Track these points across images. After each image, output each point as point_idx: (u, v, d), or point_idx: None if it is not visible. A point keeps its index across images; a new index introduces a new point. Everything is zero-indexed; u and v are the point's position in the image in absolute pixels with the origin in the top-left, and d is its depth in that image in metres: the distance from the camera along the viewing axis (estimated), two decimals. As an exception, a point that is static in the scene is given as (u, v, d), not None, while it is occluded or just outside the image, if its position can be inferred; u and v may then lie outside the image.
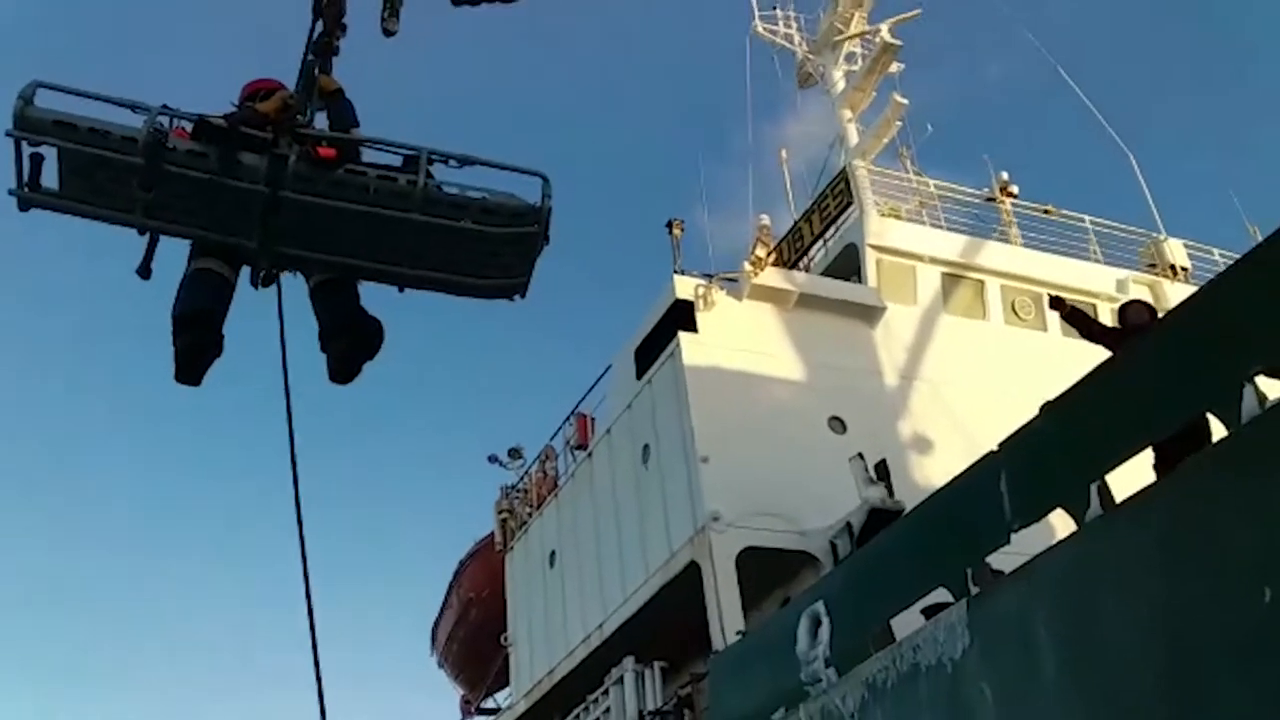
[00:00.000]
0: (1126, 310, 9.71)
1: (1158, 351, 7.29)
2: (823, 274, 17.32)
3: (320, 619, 5.42)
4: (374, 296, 5.77)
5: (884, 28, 20.09)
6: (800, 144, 21.81)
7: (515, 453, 20.25)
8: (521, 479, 19.88)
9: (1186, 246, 19.19)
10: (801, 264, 18.33)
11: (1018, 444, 8.01)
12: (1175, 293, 17.20)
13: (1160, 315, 9.56)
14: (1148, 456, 7.45)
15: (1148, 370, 7.20)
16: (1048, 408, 7.84)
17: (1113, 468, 7.11)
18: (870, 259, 16.67)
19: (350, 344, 5.64)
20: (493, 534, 20.42)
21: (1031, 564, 7.65)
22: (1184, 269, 18.71)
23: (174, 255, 5.43)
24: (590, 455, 16.96)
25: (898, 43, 19.72)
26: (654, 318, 15.65)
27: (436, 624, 25.14)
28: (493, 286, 5.69)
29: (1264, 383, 6.40)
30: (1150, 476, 7.43)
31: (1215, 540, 6.27)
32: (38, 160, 5.00)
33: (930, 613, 8.71)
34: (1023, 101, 49.70)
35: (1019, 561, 7.77)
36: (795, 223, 19.16)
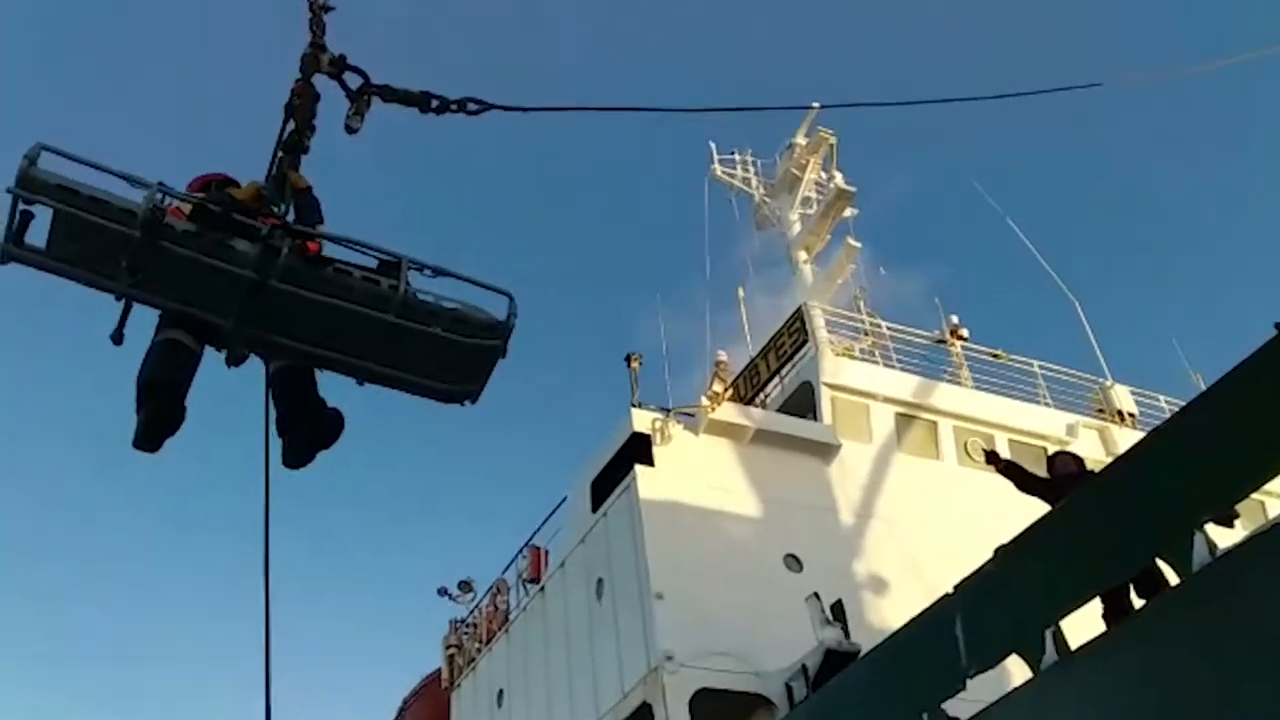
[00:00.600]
0: (1054, 461, 10.07)
1: (1109, 497, 7.40)
2: (779, 410, 17.46)
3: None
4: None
5: (838, 174, 20.81)
6: (756, 282, 22.26)
7: (466, 585, 19.83)
8: (471, 613, 19.47)
9: (1133, 393, 19.62)
10: (758, 400, 18.50)
11: (972, 588, 8.02)
12: (1123, 438, 17.52)
13: (1100, 462, 9.80)
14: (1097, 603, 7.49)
15: (1100, 516, 7.29)
16: (1002, 551, 7.89)
17: (1068, 613, 7.13)
18: (825, 397, 16.87)
19: (310, 431, 5.85)
20: (439, 670, 19.87)
21: (988, 711, 7.58)
22: (1131, 415, 19.08)
23: (141, 323, 5.57)
24: (543, 589, 16.68)
25: (851, 189, 20.45)
26: (610, 450, 15.63)
27: (377, 765, 24.19)
28: (448, 391, 5.95)
29: (1214, 530, 6.51)
30: (1100, 623, 7.45)
31: (1172, 688, 6.27)
32: (26, 218, 5.16)
33: (886, 760, 8.56)
34: (969, 244, 51.08)
35: (974, 709, 7.70)
36: (752, 359, 19.40)
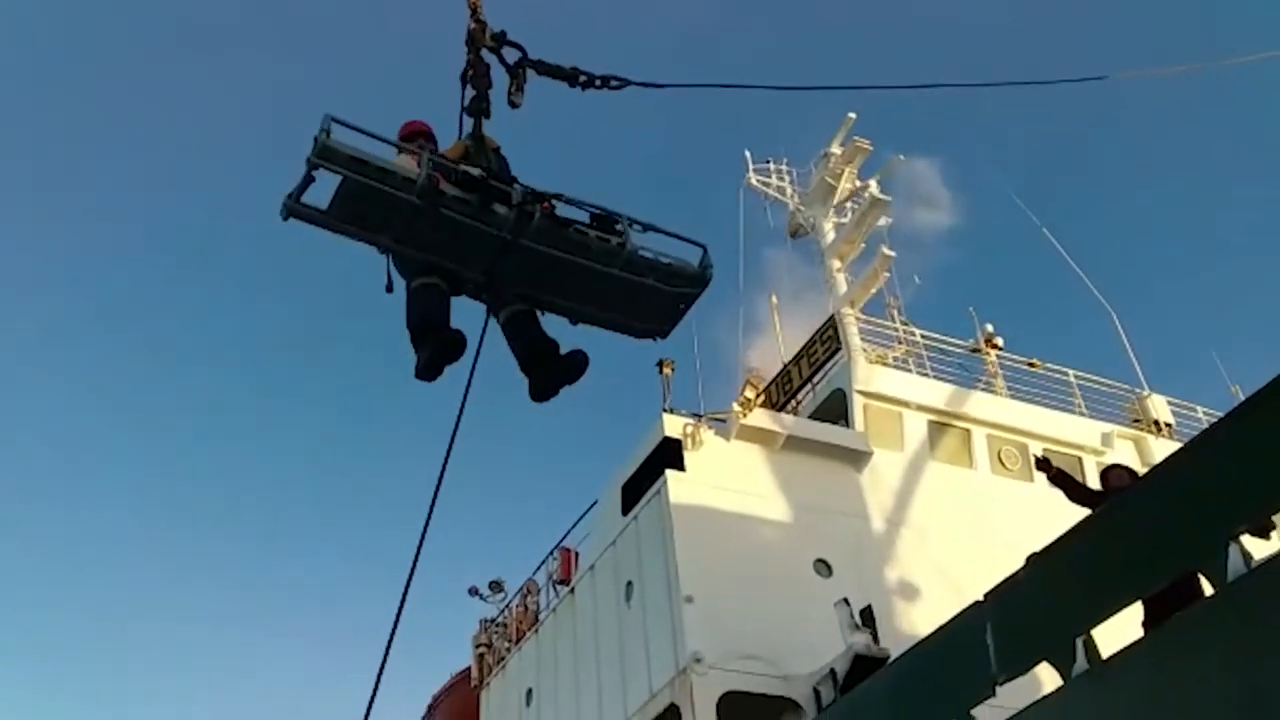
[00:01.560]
0: (1109, 474, 9.97)
1: (1143, 507, 7.38)
2: (810, 417, 17.46)
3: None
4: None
5: (873, 183, 20.80)
6: (790, 289, 22.25)
7: (496, 585, 19.93)
8: (501, 613, 19.58)
9: (1170, 403, 19.44)
10: (790, 407, 18.50)
11: (1003, 595, 8.02)
12: (1159, 448, 17.40)
13: (1142, 474, 9.74)
14: (1137, 612, 7.46)
15: (1133, 525, 7.27)
16: (1033, 559, 7.88)
17: (1098, 622, 7.11)
18: (858, 404, 16.84)
19: (557, 368, 6.57)
20: (469, 669, 20.00)
21: (1017, 718, 7.57)
22: (1168, 425, 18.92)
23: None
24: (573, 591, 16.76)
25: (886, 198, 20.42)
26: (642, 454, 15.67)
27: (405, 764, 24.29)
28: (647, 330, 6.86)
29: (1249, 541, 6.48)
30: (1138, 632, 7.42)
31: (1201, 699, 6.25)
32: (309, 182, 5.77)
33: (914, 766, 8.56)
34: (1006, 254, 50.73)
35: (1004, 715, 7.69)
36: (784, 366, 19.41)
